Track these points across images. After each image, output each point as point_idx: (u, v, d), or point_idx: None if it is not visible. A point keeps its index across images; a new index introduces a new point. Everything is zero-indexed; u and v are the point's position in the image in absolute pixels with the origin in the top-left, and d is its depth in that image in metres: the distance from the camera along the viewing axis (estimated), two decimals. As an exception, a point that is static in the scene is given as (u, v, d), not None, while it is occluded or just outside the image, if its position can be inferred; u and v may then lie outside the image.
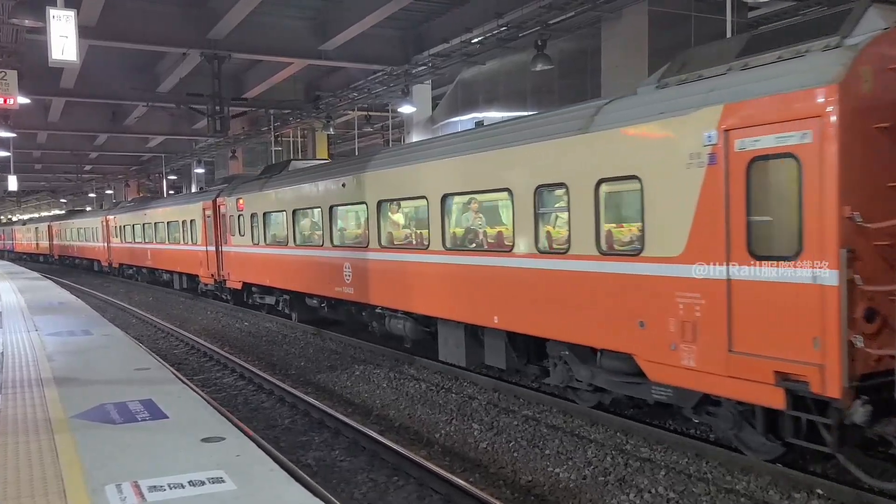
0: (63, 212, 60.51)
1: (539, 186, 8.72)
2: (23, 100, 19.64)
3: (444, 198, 10.53)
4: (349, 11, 18.36)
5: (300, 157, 34.59)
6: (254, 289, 19.09)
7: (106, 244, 36.20)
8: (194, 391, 7.99)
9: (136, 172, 50.74)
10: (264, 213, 17.37)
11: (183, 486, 4.58)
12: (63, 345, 10.30)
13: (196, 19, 18.97)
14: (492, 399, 10.16)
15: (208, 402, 7.30)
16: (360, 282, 12.97)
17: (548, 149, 8.54)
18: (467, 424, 9.07)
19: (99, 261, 38.58)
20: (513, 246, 9.22)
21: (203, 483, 4.64)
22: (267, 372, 12.44)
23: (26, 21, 12.52)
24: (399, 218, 12.73)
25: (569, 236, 8.32)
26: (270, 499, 4.41)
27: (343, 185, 13.38)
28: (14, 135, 25.19)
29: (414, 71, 20.15)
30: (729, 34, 11.38)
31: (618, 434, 8.39)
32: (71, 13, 9.86)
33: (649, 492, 6.78)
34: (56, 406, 6.73)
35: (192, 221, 23.45)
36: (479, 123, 12.68)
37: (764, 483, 6.79)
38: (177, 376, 9.07)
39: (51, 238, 51.54)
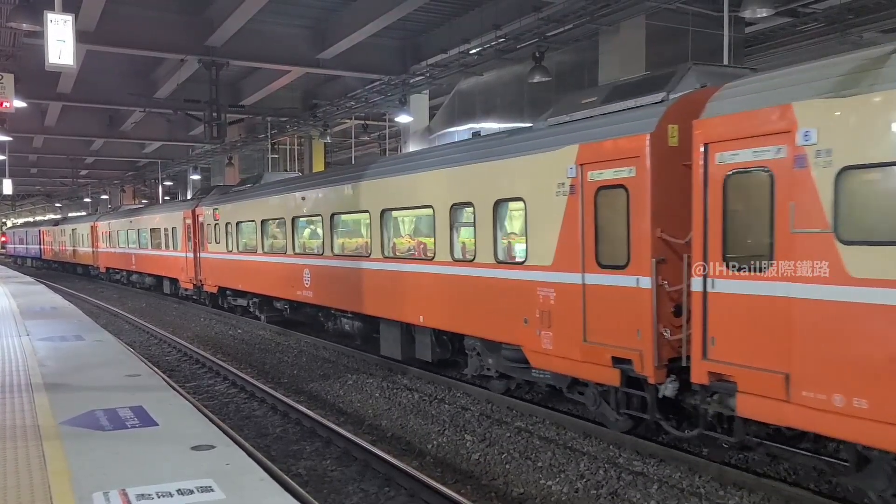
0: (113, 208, 47.22)
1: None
2: (19, 103, 19.65)
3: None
4: (347, 21, 18.42)
5: (297, 166, 34.44)
6: None
7: (193, 254, 22.85)
8: (185, 398, 7.93)
9: (133, 178, 50.69)
10: None
11: (171, 495, 4.53)
12: (54, 350, 10.23)
13: (194, 26, 19.00)
14: (485, 410, 10.12)
15: (199, 410, 7.24)
16: None
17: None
18: (460, 435, 9.03)
19: (177, 279, 25.18)
20: None
21: (192, 492, 4.59)
22: (259, 380, 12.38)
23: (24, 25, 12.52)
24: None
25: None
26: (259, 509, 4.36)
27: None
28: (10, 138, 25.17)
29: (411, 81, 20.18)
30: (725, 49, 11.46)
31: (610, 447, 8.36)
32: (69, 17, 9.84)
33: (642, 506, 6.75)
34: (45, 412, 6.67)
35: (537, 208, 8.97)
36: (476, 134, 12.60)
37: (757, 498, 6.77)
38: (168, 383, 9.02)
39: (95, 243, 37.30)
